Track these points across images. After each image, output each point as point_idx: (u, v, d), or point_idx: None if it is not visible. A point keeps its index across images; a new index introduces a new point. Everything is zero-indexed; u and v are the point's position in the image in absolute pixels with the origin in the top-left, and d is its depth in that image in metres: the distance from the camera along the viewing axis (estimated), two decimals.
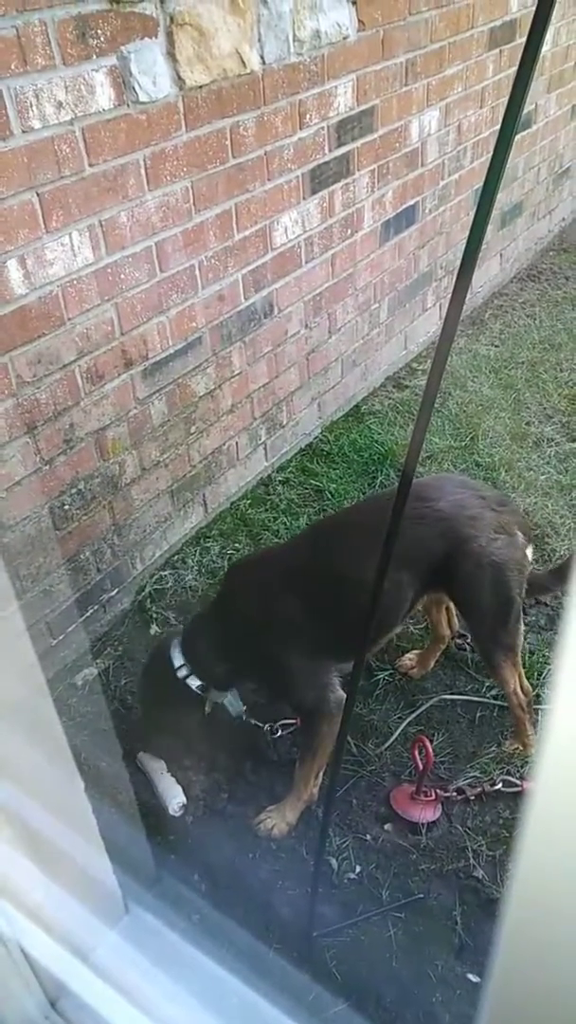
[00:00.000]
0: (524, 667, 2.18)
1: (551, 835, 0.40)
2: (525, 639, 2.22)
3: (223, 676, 2.06)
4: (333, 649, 1.97)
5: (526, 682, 2.17)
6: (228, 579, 2.23)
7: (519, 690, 2.12)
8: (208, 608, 2.16)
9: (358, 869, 1.97)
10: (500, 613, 2.02)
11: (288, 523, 3.03)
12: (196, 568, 2.87)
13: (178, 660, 2.05)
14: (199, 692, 2.04)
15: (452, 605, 2.38)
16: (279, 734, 2.24)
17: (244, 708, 2.15)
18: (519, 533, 2.02)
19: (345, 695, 1.91)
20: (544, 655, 2.41)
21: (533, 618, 2.57)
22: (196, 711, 2.09)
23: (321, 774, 2.06)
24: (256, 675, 2.11)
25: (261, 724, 2.23)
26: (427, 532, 1.96)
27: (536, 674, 2.33)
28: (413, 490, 2.16)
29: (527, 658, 2.32)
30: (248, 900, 1.91)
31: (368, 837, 2.04)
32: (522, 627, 2.10)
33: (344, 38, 2.78)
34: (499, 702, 2.32)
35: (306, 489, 3.23)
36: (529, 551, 2.06)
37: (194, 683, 2.04)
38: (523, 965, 0.44)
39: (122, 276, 2.29)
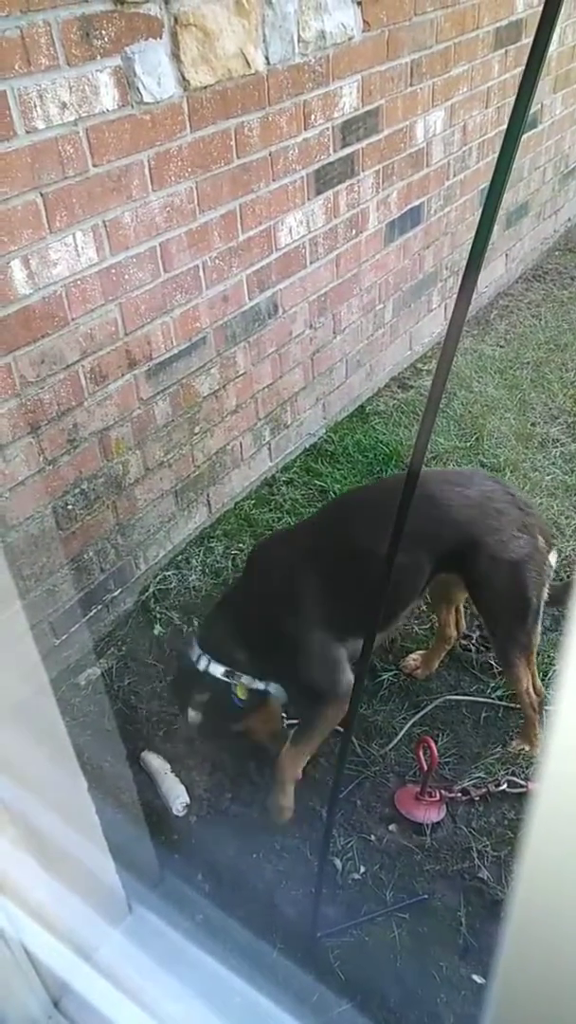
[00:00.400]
0: None
1: (556, 836, 0.40)
2: None
3: (246, 659, 2.01)
4: (350, 624, 1.95)
5: (539, 682, 2.17)
6: (251, 557, 2.26)
7: (531, 689, 2.12)
8: (230, 589, 2.15)
9: (362, 869, 1.97)
10: (517, 611, 2.02)
11: (292, 523, 3.03)
12: (200, 568, 2.87)
13: (195, 653, 2.01)
14: (225, 679, 1.99)
15: (461, 606, 2.38)
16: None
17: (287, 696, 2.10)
18: (540, 537, 2.03)
19: (354, 678, 1.91)
20: (550, 656, 2.40)
21: None
22: (227, 700, 2.01)
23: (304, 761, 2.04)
24: (273, 654, 2.04)
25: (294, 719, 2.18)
26: (453, 516, 1.98)
27: (541, 675, 2.32)
28: (442, 476, 2.17)
29: None
30: (252, 900, 1.91)
31: (372, 838, 2.04)
32: (539, 628, 2.09)
33: (349, 39, 2.78)
34: (504, 703, 2.32)
35: (310, 489, 3.23)
36: (552, 557, 2.06)
37: (218, 671, 1.99)
38: (528, 966, 0.44)
39: (126, 276, 2.29)
